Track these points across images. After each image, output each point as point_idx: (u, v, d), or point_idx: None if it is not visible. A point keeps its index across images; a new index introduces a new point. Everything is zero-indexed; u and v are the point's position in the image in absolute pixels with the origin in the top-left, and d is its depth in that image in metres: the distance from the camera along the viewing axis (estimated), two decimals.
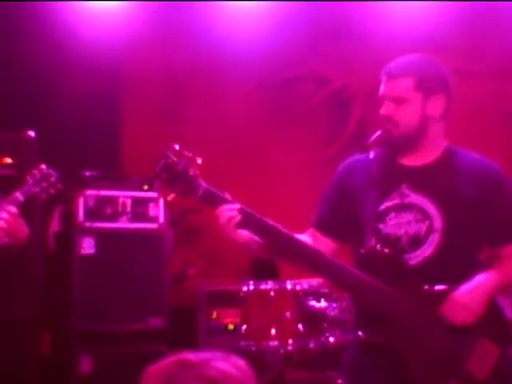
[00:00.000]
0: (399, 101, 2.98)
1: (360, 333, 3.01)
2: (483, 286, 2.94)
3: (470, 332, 2.91)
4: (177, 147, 2.97)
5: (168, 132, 6.74)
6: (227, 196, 2.97)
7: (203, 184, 2.95)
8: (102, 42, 6.25)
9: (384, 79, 3.02)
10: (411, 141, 3.02)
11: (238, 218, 2.90)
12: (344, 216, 3.11)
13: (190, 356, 1.74)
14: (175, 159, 2.95)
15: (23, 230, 3.85)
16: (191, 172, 2.94)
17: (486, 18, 6.63)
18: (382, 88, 3.03)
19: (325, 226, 3.18)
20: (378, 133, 3.09)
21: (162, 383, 1.70)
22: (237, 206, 2.93)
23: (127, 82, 6.72)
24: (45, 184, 3.89)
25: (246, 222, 2.92)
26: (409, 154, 3.06)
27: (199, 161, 2.96)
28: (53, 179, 3.91)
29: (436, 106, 3.01)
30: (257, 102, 6.85)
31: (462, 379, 2.90)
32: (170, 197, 2.96)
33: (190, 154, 2.96)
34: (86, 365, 5.37)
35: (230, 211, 2.91)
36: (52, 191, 3.92)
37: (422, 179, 3.02)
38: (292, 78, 6.94)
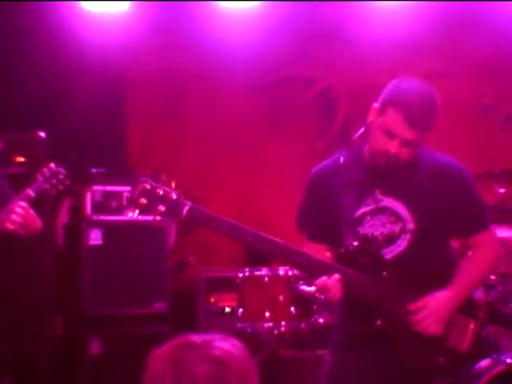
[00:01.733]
0: (410, 144, 2.95)
1: (355, 323, 3.03)
2: (451, 297, 2.99)
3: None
4: (150, 173, 2.86)
5: (169, 130, 6.77)
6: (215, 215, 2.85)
7: (187, 203, 2.80)
8: (107, 46, 6.23)
9: (404, 123, 2.90)
10: (405, 165, 3.04)
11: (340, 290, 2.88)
12: (323, 222, 3.13)
13: (194, 338, 1.78)
14: (153, 183, 2.78)
15: (37, 222, 3.91)
16: (172, 194, 2.78)
17: (461, 22, 6.65)
18: (395, 127, 2.91)
19: (307, 229, 3.20)
20: (362, 129, 3.11)
21: (169, 365, 1.73)
22: (336, 277, 2.87)
23: (131, 84, 6.73)
24: (54, 181, 3.94)
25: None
26: None
27: (173, 184, 2.89)
28: (61, 176, 3.96)
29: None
30: (251, 101, 6.87)
31: (449, 355, 2.98)
32: (157, 218, 2.78)
33: (165, 178, 2.88)
34: (95, 347, 5.39)
35: (333, 285, 2.87)
36: (61, 187, 3.97)
37: (392, 183, 3.04)
38: (282, 79, 6.96)
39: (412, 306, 2.96)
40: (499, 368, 4.03)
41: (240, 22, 6.38)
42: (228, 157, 6.79)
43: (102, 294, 5.43)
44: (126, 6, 6.13)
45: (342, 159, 3.13)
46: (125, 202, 5.59)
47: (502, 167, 5.32)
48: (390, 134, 2.92)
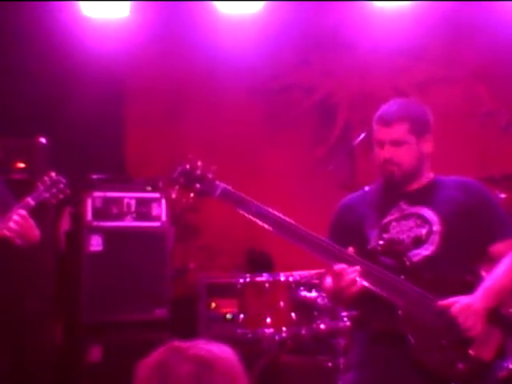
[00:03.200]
0: (398, 143, 3.06)
1: (373, 323, 3.01)
2: (481, 303, 2.94)
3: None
4: (191, 157, 3.08)
5: (169, 137, 6.75)
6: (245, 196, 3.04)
7: (221, 184, 3.05)
8: (107, 53, 6.23)
9: (379, 126, 3.09)
10: (413, 175, 3.11)
11: (359, 283, 2.90)
12: (348, 237, 3.11)
13: (178, 343, 1.78)
14: (192, 165, 3.05)
15: (34, 232, 3.87)
16: (209, 175, 3.04)
17: (460, 28, 6.66)
18: (378, 135, 3.09)
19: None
20: (362, 136, 3.13)
21: (155, 370, 1.74)
22: (357, 268, 2.90)
23: (131, 91, 6.73)
24: (54, 190, 3.91)
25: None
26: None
27: (212, 167, 3.07)
28: (62, 185, 3.93)
29: (427, 144, 3.13)
30: (250, 108, 6.87)
31: (469, 362, 2.91)
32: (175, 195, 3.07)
33: (203, 163, 3.06)
34: (95, 353, 5.36)
35: (352, 274, 2.89)
36: (61, 196, 3.94)
37: (417, 197, 3.11)
38: (281, 86, 6.95)
39: (441, 303, 2.91)
40: (501, 374, 4.00)
41: (239, 29, 6.38)
42: (227, 164, 6.74)
43: (102, 300, 5.41)
44: (126, 12, 6.13)
45: (367, 188, 3.24)
46: (125, 208, 5.57)
47: (502, 173, 5.31)
48: (380, 144, 3.08)
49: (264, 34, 6.55)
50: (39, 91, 6.05)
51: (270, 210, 3.02)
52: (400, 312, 2.92)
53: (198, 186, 3.04)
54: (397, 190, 3.12)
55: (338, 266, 2.90)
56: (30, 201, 3.84)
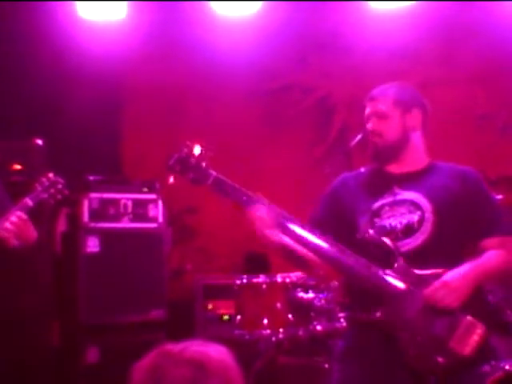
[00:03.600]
0: (382, 116, 3.13)
1: (355, 313, 3.04)
2: (473, 273, 2.95)
3: (455, 311, 2.92)
4: (189, 142, 3.09)
5: (166, 138, 6.74)
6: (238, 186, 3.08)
7: (213, 173, 3.07)
8: (104, 55, 6.23)
9: (368, 103, 3.19)
10: (396, 149, 3.14)
11: (269, 217, 2.97)
12: (338, 218, 3.15)
13: (170, 345, 1.77)
14: (188, 153, 3.06)
15: (32, 234, 3.86)
16: (202, 163, 3.06)
17: (457, 31, 6.67)
18: (367, 110, 3.18)
19: (320, 228, 3.18)
20: (359, 137, 3.15)
21: (148, 374, 1.73)
22: (266, 205, 3.01)
23: (128, 93, 6.72)
24: (52, 190, 3.92)
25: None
26: (395, 163, 3.15)
27: (209, 152, 3.10)
28: (60, 186, 3.94)
29: (414, 118, 3.17)
30: (249, 109, 6.87)
31: (448, 356, 2.91)
32: (172, 181, 3.07)
33: (202, 148, 3.08)
34: (92, 355, 5.36)
35: (260, 210, 2.99)
36: (59, 197, 3.95)
37: (411, 181, 3.11)
38: (279, 87, 6.96)
39: (429, 288, 2.90)
40: (497, 374, 4.00)
41: (237, 30, 6.37)
42: (225, 165, 6.73)
43: (99, 301, 5.41)
44: (123, 13, 6.12)
45: (363, 169, 3.27)
46: (122, 210, 5.57)
47: (498, 174, 5.32)
48: (367, 119, 3.18)
49: (261, 35, 6.55)
50: (36, 93, 6.05)
51: (261, 198, 3.05)
52: (383, 306, 2.92)
53: (191, 175, 3.05)
54: (385, 164, 3.14)
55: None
56: (28, 201, 3.84)
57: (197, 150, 3.07)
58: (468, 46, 6.71)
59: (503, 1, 6.27)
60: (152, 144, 6.69)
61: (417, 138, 3.17)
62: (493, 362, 4.08)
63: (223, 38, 6.40)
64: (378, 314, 2.92)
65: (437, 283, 2.90)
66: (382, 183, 3.13)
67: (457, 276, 2.91)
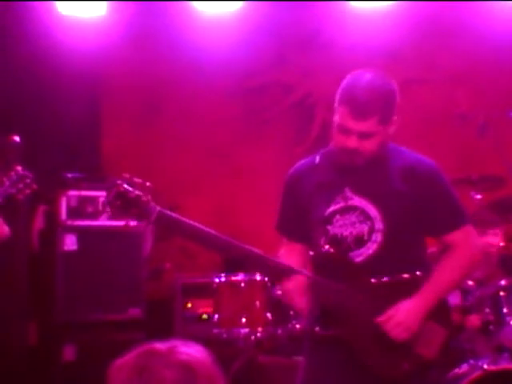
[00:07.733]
0: (367, 136, 2.94)
1: (316, 328, 3.01)
2: (423, 303, 2.95)
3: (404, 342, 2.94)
4: (127, 175, 2.86)
5: (145, 135, 6.73)
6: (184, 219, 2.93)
7: (157, 207, 2.86)
8: (83, 51, 6.19)
9: (351, 116, 2.92)
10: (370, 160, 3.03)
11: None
12: (299, 222, 3.13)
13: (157, 345, 1.75)
14: (127, 186, 2.83)
15: (3, 229, 3.80)
16: (144, 197, 2.83)
17: (438, 30, 6.70)
18: (346, 122, 2.93)
19: (287, 232, 3.21)
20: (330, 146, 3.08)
21: (135, 374, 1.69)
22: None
23: (107, 89, 6.69)
24: (21, 185, 3.83)
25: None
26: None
27: (148, 184, 2.89)
28: (28, 180, 3.85)
29: (393, 125, 3.03)
30: (229, 107, 6.85)
31: (413, 361, 2.94)
32: (131, 223, 2.86)
33: (140, 181, 2.87)
34: (69, 353, 5.34)
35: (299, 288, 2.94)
36: (27, 192, 3.86)
37: (362, 182, 3.03)
38: (260, 85, 6.95)
39: (381, 317, 2.92)
40: (476, 373, 4.03)
41: (217, 27, 6.36)
42: (204, 162, 6.75)
43: (76, 299, 5.39)
44: (103, 10, 6.09)
45: (317, 159, 3.14)
46: (100, 207, 5.54)
47: (478, 174, 5.34)
48: (345, 131, 2.93)
49: (242, 33, 6.54)
50: (14, 88, 6.00)
51: (212, 232, 2.93)
52: (342, 319, 2.92)
53: (134, 210, 2.83)
54: (345, 170, 3.03)
55: (284, 286, 2.96)
56: None
57: (135, 181, 2.86)
58: (449, 45, 6.74)
59: (484, 1, 6.30)
60: (131, 141, 6.67)
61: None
62: (471, 361, 4.12)
63: (203, 35, 6.39)
64: (334, 330, 2.94)
65: (389, 313, 2.92)
66: (335, 182, 3.05)
67: (407, 309, 2.92)
